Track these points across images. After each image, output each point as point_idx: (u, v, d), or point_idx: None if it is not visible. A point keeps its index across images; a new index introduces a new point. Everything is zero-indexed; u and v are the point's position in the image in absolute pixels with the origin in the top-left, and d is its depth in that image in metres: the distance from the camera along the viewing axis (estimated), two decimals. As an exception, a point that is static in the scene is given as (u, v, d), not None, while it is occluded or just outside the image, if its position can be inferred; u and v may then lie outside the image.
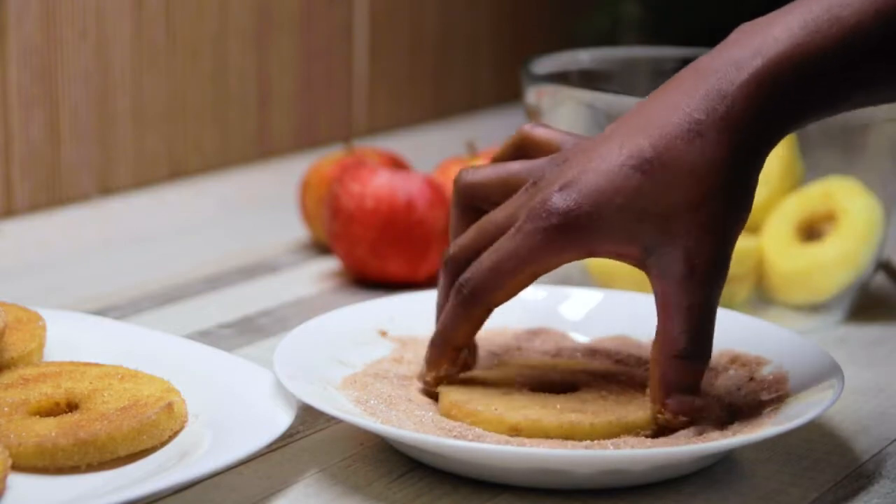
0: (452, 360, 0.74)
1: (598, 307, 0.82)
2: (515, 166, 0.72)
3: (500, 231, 0.70)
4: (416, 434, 0.67)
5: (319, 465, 0.70)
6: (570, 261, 0.70)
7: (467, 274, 0.71)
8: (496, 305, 0.72)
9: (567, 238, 0.68)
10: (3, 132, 0.99)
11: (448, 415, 0.71)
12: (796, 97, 0.67)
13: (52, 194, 1.03)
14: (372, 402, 0.72)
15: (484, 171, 0.73)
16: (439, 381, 0.74)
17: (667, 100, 0.69)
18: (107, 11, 1.04)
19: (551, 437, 0.68)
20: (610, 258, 0.70)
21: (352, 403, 0.72)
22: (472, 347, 0.75)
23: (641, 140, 0.68)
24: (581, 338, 0.81)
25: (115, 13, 1.05)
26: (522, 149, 0.73)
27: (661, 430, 0.69)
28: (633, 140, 0.68)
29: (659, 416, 0.69)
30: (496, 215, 0.71)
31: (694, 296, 0.67)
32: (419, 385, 0.75)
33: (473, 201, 0.73)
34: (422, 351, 0.78)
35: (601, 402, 0.71)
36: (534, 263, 0.69)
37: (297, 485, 0.68)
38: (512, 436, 0.68)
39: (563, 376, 0.74)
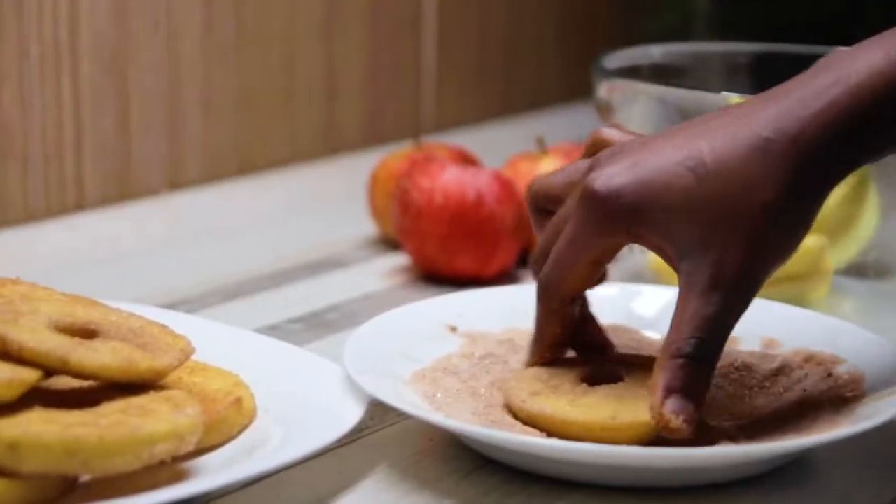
0: (549, 357, 0.73)
1: (670, 304, 0.81)
2: (581, 164, 0.71)
3: (565, 223, 0.70)
4: (483, 430, 0.66)
5: (389, 461, 0.70)
6: (620, 245, 0.69)
7: (541, 272, 0.71)
8: (568, 297, 0.71)
9: (611, 220, 0.67)
10: (75, 126, 1.00)
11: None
12: (873, 129, 0.65)
13: (122, 188, 1.04)
14: (439, 396, 0.72)
15: (552, 174, 0.73)
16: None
17: (737, 113, 0.67)
18: (177, 4, 1.05)
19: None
20: (650, 249, 0.69)
21: (420, 398, 0.71)
22: (593, 332, 0.75)
23: (702, 144, 0.66)
24: (653, 335, 0.80)
25: (186, 6, 1.05)
26: (596, 150, 0.73)
27: (660, 438, 0.67)
28: (693, 142, 0.67)
29: (656, 417, 0.65)
30: (562, 210, 0.71)
31: (710, 308, 0.66)
32: (488, 379, 0.75)
33: (546, 205, 0.73)
34: (491, 347, 0.78)
35: (622, 398, 0.70)
36: (586, 249, 0.68)
37: (366, 480, 0.68)
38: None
39: (624, 369, 0.73)
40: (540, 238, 0.72)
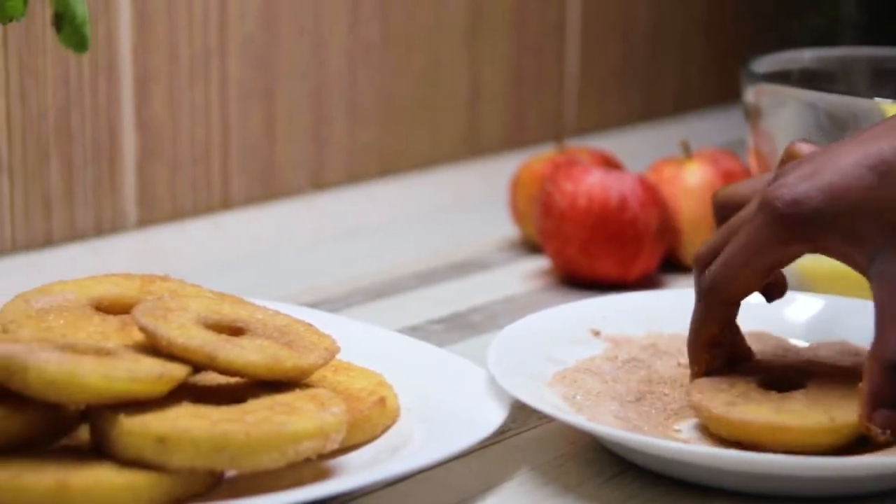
0: (707, 358, 0.73)
1: (820, 313, 0.80)
2: (768, 176, 0.71)
3: (739, 228, 0.70)
4: (630, 434, 0.66)
5: (531, 464, 0.69)
6: (798, 254, 0.68)
7: (708, 271, 0.70)
8: (733, 300, 0.71)
9: (792, 229, 0.67)
10: (222, 126, 1.01)
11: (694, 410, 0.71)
12: None
13: (267, 188, 1.05)
14: (579, 398, 0.72)
15: (738, 184, 0.73)
16: (699, 376, 0.73)
17: None
18: (324, 9, 1.06)
19: (763, 439, 0.67)
20: (835, 258, 0.68)
21: (560, 400, 0.71)
22: (738, 340, 0.74)
23: (883, 143, 0.66)
24: (801, 343, 0.79)
25: (332, 10, 1.06)
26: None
27: (863, 440, 0.67)
28: (872, 143, 0.66)
29: (864, 428, 0.66)
30: (741, 213, 0.71)
31: None
32: (630, 382, 0.74)
33: (731, 214, 0.72)
34: (635, 351, 0.77)
35: (819, 402, 0.68)
36: (762, 254, 0.68)
37: (508, 483, 0.68)
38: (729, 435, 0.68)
39: (795, 374, 0.72)
40: (712, 238, 0.72)
